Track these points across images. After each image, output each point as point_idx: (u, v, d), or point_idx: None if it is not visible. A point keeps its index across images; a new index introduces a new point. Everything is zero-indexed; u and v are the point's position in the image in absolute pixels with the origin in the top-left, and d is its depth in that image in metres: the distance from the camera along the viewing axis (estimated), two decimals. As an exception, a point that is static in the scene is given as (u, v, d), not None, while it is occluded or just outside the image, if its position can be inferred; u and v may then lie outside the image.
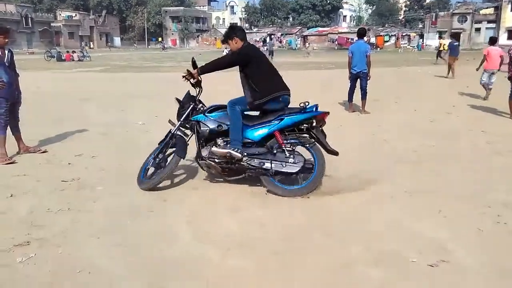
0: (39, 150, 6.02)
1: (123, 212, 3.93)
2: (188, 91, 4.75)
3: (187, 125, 4.63)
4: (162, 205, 4.11)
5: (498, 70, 10.97)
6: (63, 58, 32.83)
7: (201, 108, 4.63)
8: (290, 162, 4.31)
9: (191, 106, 4.57)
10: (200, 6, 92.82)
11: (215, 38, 73.94)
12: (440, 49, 25.36)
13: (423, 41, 60.11)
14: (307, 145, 4.41)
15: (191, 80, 4.45)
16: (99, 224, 3.68)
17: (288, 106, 4.46)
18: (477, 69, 11.54)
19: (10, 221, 3.73)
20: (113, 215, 3.88)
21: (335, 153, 4.44)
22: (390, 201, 4.18)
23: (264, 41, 66.37)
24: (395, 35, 64.94)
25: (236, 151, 4.24)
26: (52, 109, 9.88)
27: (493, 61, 10.87)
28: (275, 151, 4.34)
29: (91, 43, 71.71)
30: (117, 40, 77.71)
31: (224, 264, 3.04)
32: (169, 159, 4.52)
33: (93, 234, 3.47)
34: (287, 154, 4.32)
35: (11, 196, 4.31)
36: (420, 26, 70.39)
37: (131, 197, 4.30)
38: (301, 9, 78.76)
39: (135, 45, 77.73)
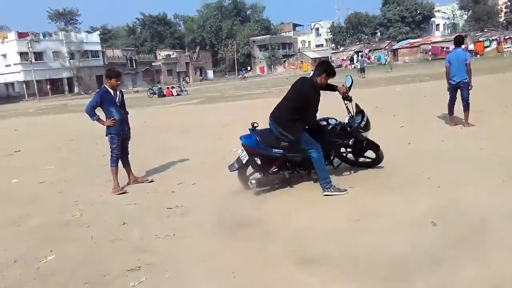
0: (146, 180, 6.53)
1: (223, 237, 4.05)
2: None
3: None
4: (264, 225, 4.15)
5: None
6: (163, 94, 35.56)
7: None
8: None
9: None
10: (285, 32, 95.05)
11: (301, 61, 74.80)
12: None
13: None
14: None
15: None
16: (202, 249, 3.83)
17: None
18: None
19: (123, 247, 4.06)
20: (213, 240, 4.01)
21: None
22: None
23: (352, 59, 65.38)
24: (496, 39, 59.70)
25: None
26: (157, 142, 10.69)
27: None
28: None
29: (187, 78, 76.93)
30: (210, 73, 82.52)
31: None
32: None
33: (197, 259, 3.62)
34: None
35: (123, 224, 4.70)
36: (526, 26, 63.92)
37: (227, 222, 4.42)
38: (389, 22, 76.41)
39: (226, 76, 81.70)
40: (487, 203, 4.19)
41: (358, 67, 34.68)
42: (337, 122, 5.51)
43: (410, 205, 4.37)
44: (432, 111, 10.13)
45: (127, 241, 4.20)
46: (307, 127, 5.13)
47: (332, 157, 5.64)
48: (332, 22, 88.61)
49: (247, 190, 5.32)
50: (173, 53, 78.51)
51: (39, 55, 58.32)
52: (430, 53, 60.62)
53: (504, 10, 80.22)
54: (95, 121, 6.10)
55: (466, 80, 8.16)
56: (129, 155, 6.47)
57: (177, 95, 34.95)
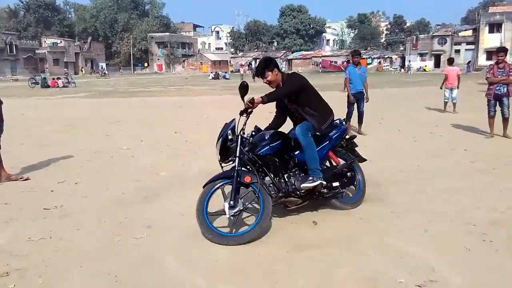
0: (21, 178, 5.91)
1: (105, 240, 3.85)
2: (225, 124, 4.07)
3: (231, 160, 4.02)
4: (156, 227, 4.04)
5: (457, 87, 12.83)
6: (47, 84, 32.67)
7: (248, 138, 4.13)
8: (348, 177, 4.51)
9: (239, 138, 3.92)
10: (185, 32, 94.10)
11: (201, 62, 74.79)
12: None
13: (404, 63, 61.23)
14: (349, 161, 4.58)
15: (249, 109, 3.93)
16: (81, 252, 3.59)
17: None
18: (440, 88, 13.24)
19: (-11, 251, 3.62)
20: (94, 243, 3.79)
21: (365, 160, 4.84)
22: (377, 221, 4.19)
23: (250, 64, 67.33)
24: (377, 57, 66.43)
25: (321, 179, 4.14)
26: (36, 136, 9.76)
27: (452, 79, 12.79)
28: (338, 170, 4.46)
29: (82, 68, 71.84)
30: (102, 66, 77.92)
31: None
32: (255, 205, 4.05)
33: (75, 263, 3.38)
34: (344, 171, 4.50)
35: (-9, 225, 4.19)
36: (402, 48, 72.27)
37: (112, 224, 4.22)
38: (285, 33, 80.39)
39: (120, 70, 77.99)
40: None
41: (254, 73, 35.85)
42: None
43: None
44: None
45: (-6, 244, 3.76)
46: None
47: None
48: (232, 27, 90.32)
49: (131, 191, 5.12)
50: (61, 42, 72.57)
51: None
52: (320, 65, 65.16)
53: (385, 32, 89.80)
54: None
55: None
56: (1, 150, 5.79)
57: (63, 86, 32.44)
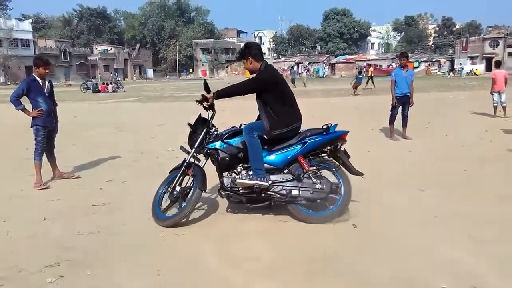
0: (72, 176, 6.24)
1: (149, 235, 3.99)
2: (200, 114, 4.47)
3: (201, 151, 4.40)
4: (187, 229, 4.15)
5: (504, 90, 12.16)
6: (98, 89, 34.17)
7: (215, 133, 4.39)
8: (318, 188, 4.14)
9: (204, 130, 4.31)
10: (229, 38, 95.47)
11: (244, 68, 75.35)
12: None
13: (453, 66, 58.80)
14: (333, 169, 4.31)
15: (205, 103, 4.22)
16: (126, 247, 3.75)
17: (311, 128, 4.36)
18: (491, 93, 12.43)
19: (42, 243, 3.85)
20: (139, 238, 3.95)
21: (359, 174, 4.33)
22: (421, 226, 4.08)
23: (292, 68, 67.28)
24: (425, 61, 64.32)
25: (263, 181, 4.03)
26: (87, 137, 10.25)
27: (500, 82, 12.15)
28: (301, 177, 4.17)
29: (134, 75, 74.67)
30: (150, 72, 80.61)
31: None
32: (190, 192, 4.28)
33: (120, 257, 3.54)
34: (314, 180, 4.17)
35: (44, 219, 4.46)
36: (451, 51, 69.59)
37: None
38: (329, 37, 79.66)
39: (167, 76, 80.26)
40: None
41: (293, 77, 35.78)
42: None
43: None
44: (366, 122, 10.69)
45: (47, 237, 3.99)
46: None
47: None
48: (275, 32, 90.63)
49: None
50: (111, 48, 75.78)
51: (-39, 39, 53.79)
52: (364, 69, 63.92)
53: (433, 34, 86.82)
54: (20, 111, 5.75)
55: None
56: (55, 149, 6.16)
57: (113, 91, 33.77)
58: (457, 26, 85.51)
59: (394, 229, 4.02)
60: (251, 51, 4.22)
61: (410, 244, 3.65)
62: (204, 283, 3.12)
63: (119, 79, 45.87)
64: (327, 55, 75.05)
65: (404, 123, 9.03)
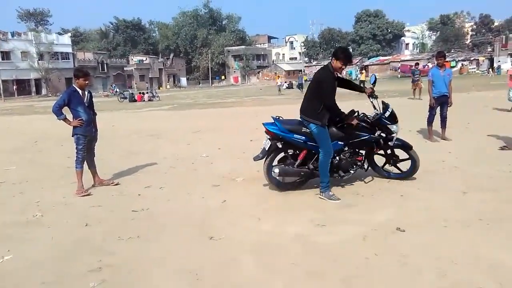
0: (112, 183, 6.41)
1: (187, 240, 4.03)
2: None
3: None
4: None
5: None
6: (135, 98, 35.10)
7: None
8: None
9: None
10: (260, 44, 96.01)
11: (275, 73, 75.38)
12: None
13: (492, 64, 56.29)
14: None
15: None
16: (165, 251, 3.81)
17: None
18: None
19: (84, 248, 3.97)
20: (177, 243, 3.99)
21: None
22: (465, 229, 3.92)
23: (300, 73, 66.84)
24: (462, 60, 62.22)
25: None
26: (125, 145, 10.52)
27: None
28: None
29: (168, 84, 76.47)
30: (183, 80, 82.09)
31: None
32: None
33: (159, 261, 3.59)
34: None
35: (86, 225, 4.60)
36: (490, 49, 67.01)
37: (193, 225, 4.41)
38: (361, 39, 78.60)
39: (200, 84, 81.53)
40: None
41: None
42: (362, 114, 5.55)
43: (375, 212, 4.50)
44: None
45: (89, 242, 4.11)
46: (333, 119, 5.22)
47: (363, 160, 5.58)
48: (306, 36, 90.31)
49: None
50: (146, 59, 77.79)
51: (6, 55, 56.68)
52: (399, 70, 62.53)
53: (470, 33, 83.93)
54: (61, 120, 5.97)
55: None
56: (95, 157, 6.35)
57: (149, 100, 34.58)
58: (495, 23, 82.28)
59: (439, 232, 3.90)
60: (334, 53, 5.22)
61: (455, 247, 3.52)
62: (242, 287, 3.11)
63: (155, 89, 47.02)
64: (360, 57, 73.98)
65: (443, 124, 8.74)
